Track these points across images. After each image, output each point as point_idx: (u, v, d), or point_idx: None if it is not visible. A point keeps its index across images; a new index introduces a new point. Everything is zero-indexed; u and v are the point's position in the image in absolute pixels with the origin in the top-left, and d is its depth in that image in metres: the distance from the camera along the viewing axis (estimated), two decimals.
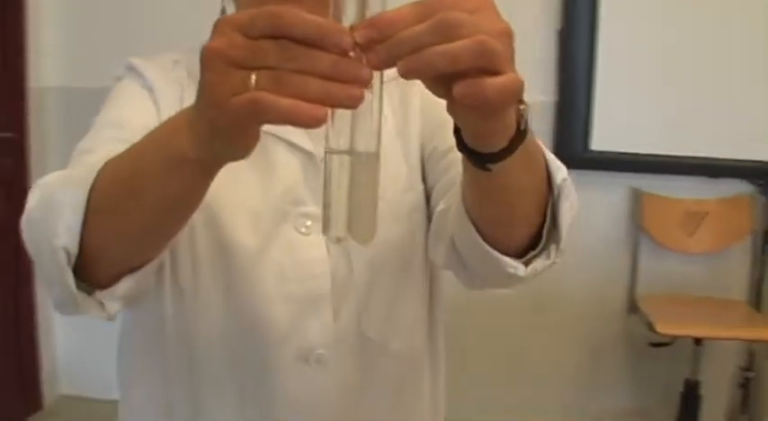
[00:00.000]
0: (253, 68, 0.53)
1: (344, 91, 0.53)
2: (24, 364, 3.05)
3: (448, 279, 0.94)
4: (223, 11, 0.92)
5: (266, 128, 0.60)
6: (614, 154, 2.84)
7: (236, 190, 0.87)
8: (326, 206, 0.60)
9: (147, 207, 0.69)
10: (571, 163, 2.86)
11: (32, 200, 0.75)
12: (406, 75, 0.54)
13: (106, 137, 0.84)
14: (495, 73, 0.54)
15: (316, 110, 0.53)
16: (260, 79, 0.53)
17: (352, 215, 0.60)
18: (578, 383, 3.09)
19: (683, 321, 2.71)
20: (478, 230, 0.74)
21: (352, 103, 0.54)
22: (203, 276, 0.88)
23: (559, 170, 0.74)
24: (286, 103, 0.52)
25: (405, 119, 0.96)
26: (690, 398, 2.79)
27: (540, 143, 0.72)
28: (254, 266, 0.87)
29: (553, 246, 0.75)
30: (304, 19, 0.53)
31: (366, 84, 0.54)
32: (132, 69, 0.93)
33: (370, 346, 0.91)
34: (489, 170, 0.65)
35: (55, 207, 0.71)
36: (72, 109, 3.04)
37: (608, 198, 2.94)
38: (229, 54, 0.54)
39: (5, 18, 2.84)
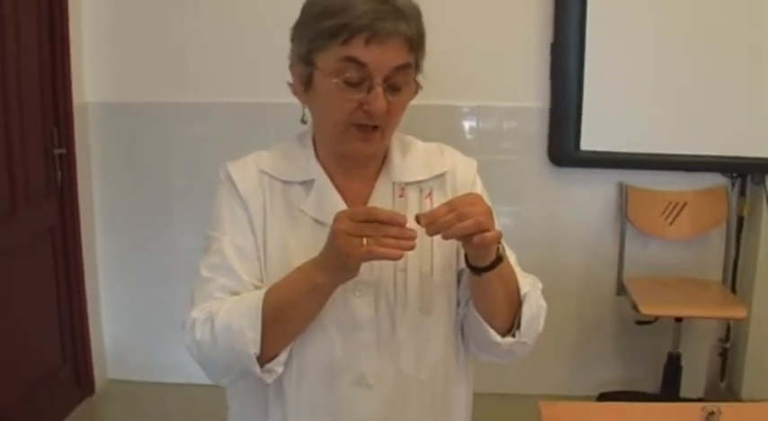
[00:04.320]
0: (360, 236, 1.04)
1: (405, 243, 1.05)
2: (78, 353, 3.17)
3: None
4: (303, 118, 1.28)
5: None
6: (602, 153, 3.01)
7: None
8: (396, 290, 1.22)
9: (297, 318, 1.16)
10: (564, 162, 3.21)
11: (199, 333, 1.16)
12: (445, 238, 1.07)
13: (215, 264, 1.22)
14: (487, 230, 1.07)
15: (395, 253, 1.05)
16: (368, 241, 1.04)
17: (421, 302, 1.21)
18: (574, 358, 3.26)
19: (664, 302, 2.88)
20: (481, 316, 1.21)
21: (410, 248, 1.05)
22: None
23: (524, 287, 1.21)
24: (383, 250, 1.04)
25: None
26: (672, 368, 2.98)
27: (517, 270, 1.23)
28: (323, 321, 1.20)
29: (517, 331, 1.21)
30: (383, 212, 1.06)
31: (414, 239, 1.05)
32: (229, 178, 1.25)
33: (404, 377, 1.25)
34: (480, 276, 1.15)
35: (235, 331, 1.13)
36: (110, 123, 3.18)
37: (597, 192, 3.10)
38: (346, 230, 1.05)
39: (54, 40, 2.90)
